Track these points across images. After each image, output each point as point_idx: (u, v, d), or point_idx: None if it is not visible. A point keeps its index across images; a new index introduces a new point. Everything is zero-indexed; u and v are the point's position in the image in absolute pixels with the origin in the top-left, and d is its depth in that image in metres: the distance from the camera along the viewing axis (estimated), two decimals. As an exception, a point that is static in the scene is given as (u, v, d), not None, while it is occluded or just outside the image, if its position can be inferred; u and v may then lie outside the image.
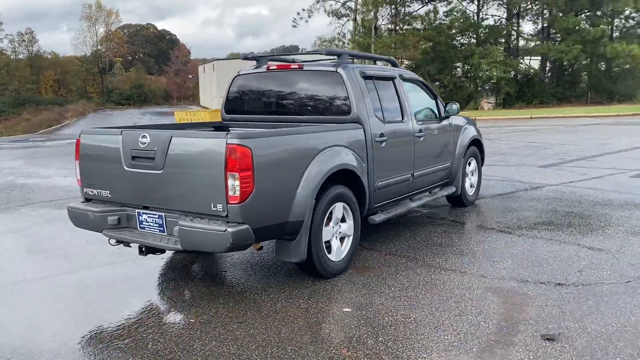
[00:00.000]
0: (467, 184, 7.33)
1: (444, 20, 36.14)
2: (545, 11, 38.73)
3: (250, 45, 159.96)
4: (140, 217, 4.33)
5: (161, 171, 4.08)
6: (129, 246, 4.61)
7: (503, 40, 38.51)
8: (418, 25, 36.33)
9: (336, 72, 5.14)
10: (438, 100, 6.75)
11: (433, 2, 35.45)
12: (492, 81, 35.13)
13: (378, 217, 5.36)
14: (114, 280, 4.84)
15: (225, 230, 3.70)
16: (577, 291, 4.26)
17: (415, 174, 5.91)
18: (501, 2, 38.77)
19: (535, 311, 3.90)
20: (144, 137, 4.17)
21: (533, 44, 38.84)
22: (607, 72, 38.79)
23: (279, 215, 4.08)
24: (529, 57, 39.64)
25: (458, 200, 7.31)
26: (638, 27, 39.62)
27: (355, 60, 6.15)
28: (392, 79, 5.82)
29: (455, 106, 6.73)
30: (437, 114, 6.65)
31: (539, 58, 39.42)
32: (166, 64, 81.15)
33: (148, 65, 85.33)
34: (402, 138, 5.67)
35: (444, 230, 6.27)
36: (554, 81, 40.27)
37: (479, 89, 37.50)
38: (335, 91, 5.19)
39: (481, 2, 39.08)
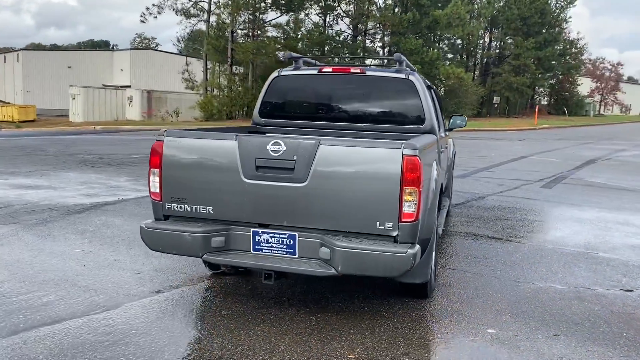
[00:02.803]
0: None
1: (304, 31, 36.92)
2: (386, 32, 41.85)
3: (53, 36, 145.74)
4: (257, 237, 3.69)
5: (303, 184, 3.53)
6: (226, 271, 3.92)
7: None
8: (276, 33, 36.61)
9: (408, 79, 4.96)
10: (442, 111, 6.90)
11: (292, 13, 35.97)
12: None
13: None
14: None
15: (406, 252, 3.34)
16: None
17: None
18: (348, 16, 40.85)
19: None
20: (276, 144, 3.57)
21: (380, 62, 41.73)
22: (439, 91, 43.33)
23: (424, 233, 3.80)
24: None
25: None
26: (459, 53, 45.09)
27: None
28: (430, 87, 5.79)
29: (460, 120, 6.89)
30: (445, 125, 6.78)
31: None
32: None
33: None
34: (443, 150, 5.68)
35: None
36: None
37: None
38: (406, 99, 5.02)
39: (329, 18, 40.82)
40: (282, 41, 34.98)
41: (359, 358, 3.40)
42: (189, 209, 3.78)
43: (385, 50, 41.14)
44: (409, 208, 3.39)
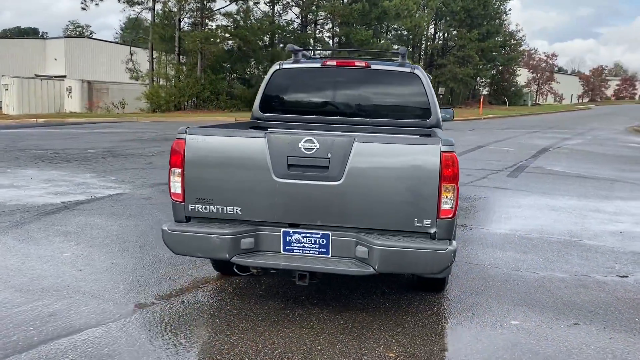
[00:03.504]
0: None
1: (253, 20, 36.31)
2: (336, 23, 41.89)
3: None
4: (287, 238, 3.59)
5: (339, 182, 3.45)
6: (253, 273, 3.80)
7: (301, 45, 40.48)
8: (225, 22, 35.85)
9: (413, 73, 4.95)
10: None
11: (241, 1, 35.30)
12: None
13: None
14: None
15: (447, 248, 3.34)
16: None
17: None
18: (297, 5, 40.56)
19: None
20: (308, 141, 3.47)
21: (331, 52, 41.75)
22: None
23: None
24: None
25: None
26: (406, 45, 45.76)
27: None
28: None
29: (449, 112, 6.90)
30: None
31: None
32: None
33: None
34: None
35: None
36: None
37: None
38: (411, 94, 5.02)
39: (278, 7, 40.40)
40: (233, 30, 34.30)
41: (399, 356, 3.38)
42: (214, 210, 3.62)
43: (335, 40, 41.18)
44: (446, 204, 3.39)
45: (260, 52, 37.05)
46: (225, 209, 3.61)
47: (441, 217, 3.40)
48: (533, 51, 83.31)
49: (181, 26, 35.22)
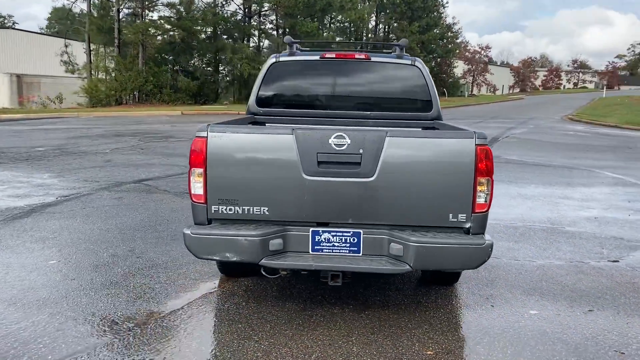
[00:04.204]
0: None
1: (195, 11, 35.33)
2: (280, 14, 41.50)
3: None
4: (316, 237, 3.47)
5: (371, 179, 3.36)
6: (280, 274, 3.67)
7: (245, 37, 39.85)
8: (167, 12, 34.71)
9: (414, 65, 4.91)
10: None
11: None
12: (243, 78, 36.04)
13: None
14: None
15: (485, 243, 3.32)
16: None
17: None
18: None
19: None
20: (339, 137, 3.36)
21: (277, 44, 41.32)
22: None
23: None
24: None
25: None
26: (349, 37, 46.00)
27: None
28: None
29: None
30: None
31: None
32: None
33: None
34: None
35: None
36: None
37: (227, 84, 38.02)
38: (412, 86, 4.98)
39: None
40: (175, 21, 33.26)
41: (437, 353, 3.35)
42: (240, 211, 3.44)
43: (280, 32, 40.77)
44: (481, 199, 3.37)
45: (204, 44, 36.18)
46: (251, 209, 3.44)
47: (476, 211, 3.38)
48: (465, 43, 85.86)
49: (120, 17, 33.83)
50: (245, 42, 38.33)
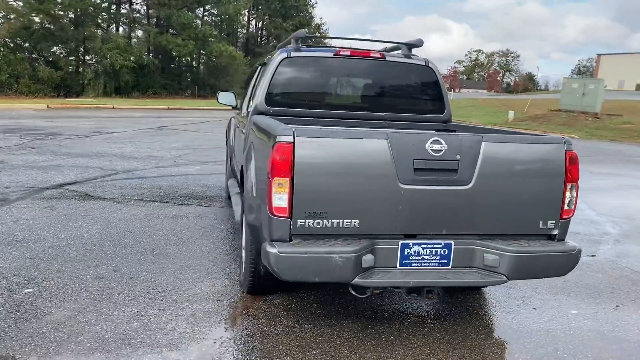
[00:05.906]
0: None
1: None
2: (152, 3, 39.17)
3: None
4: (406, 250, 3.21)
5: (469, 187, 3.17)
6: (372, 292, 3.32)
7: (115, 25, 37.01)
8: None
9: (428, 66, 4.80)
10: None
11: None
12: (114, 69, 33.38)
13: None
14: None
15: (575, 249, 3.31)
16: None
17: None
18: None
19: None
20: (435, 142, 3.12)
21: (150, 34, 38.83)
22: (211, 69, 42.53)
23: None
24: (148, 48, 39.34)
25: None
26: (223, 32, 45.04)
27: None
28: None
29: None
30: None
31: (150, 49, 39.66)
32: None
33: None
34: None
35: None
36: (164, 73, 41.35)
37: (93, 75, 34.85)
38: (427, 87, 4.87)
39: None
40: (39, 5, 29.75)
41: (529, 363, 3.27)
42: (329, 225, 3.05)
43: (152, 21, 38.49)
44: (568, 205, 3.35)
45: (69, 31, 32.88)
46: (341, 222, 3.06)
47: (563, 218, 3.36)
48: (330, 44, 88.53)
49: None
50: (115, 31, 35.56)
